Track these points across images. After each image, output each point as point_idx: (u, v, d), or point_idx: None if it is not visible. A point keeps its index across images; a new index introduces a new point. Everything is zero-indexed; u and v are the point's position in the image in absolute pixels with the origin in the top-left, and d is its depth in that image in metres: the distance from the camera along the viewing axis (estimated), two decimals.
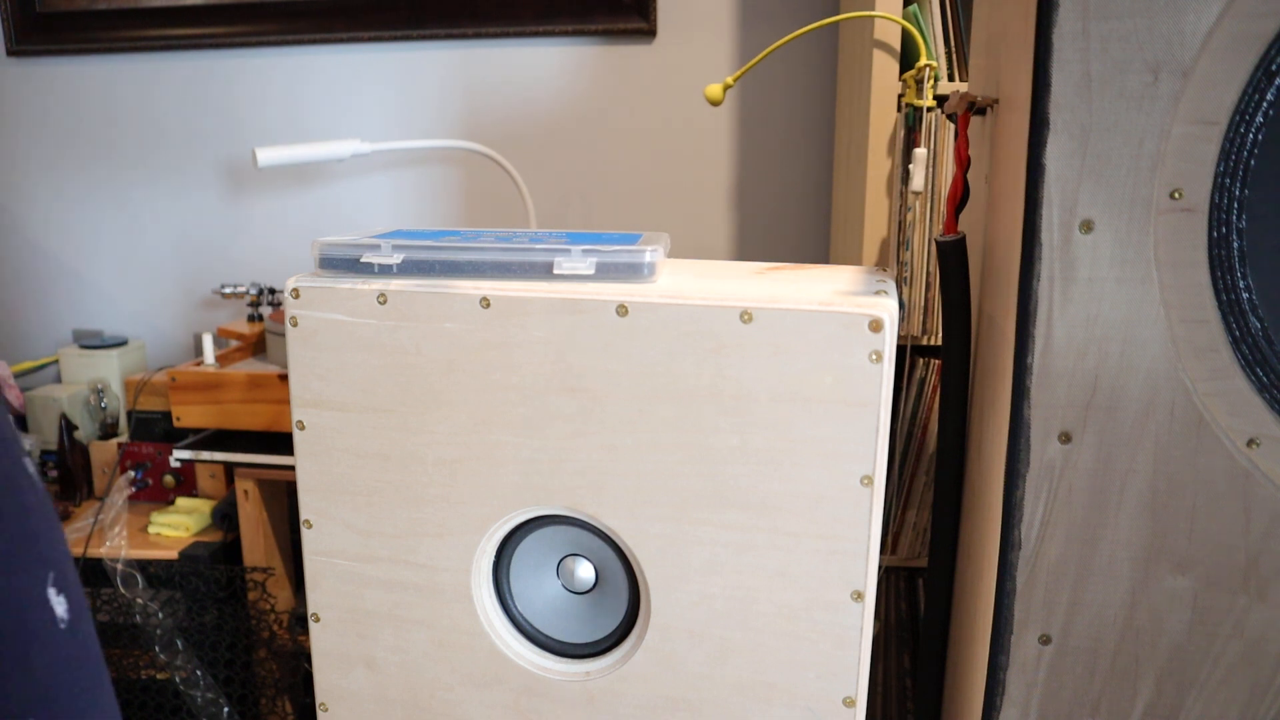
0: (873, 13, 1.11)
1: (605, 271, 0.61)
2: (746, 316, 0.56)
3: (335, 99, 1.66)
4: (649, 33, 1.55)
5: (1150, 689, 0.61)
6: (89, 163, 1.75)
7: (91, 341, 1.67)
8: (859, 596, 0.58)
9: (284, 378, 1.37)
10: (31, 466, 0.58)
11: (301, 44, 1.64)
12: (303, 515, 0.67)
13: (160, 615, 1.33)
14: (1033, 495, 0.59)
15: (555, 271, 0.61)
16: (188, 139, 1.72)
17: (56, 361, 1.75)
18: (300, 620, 1.44)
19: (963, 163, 0.77)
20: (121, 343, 1.68)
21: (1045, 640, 0.62)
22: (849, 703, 0.60)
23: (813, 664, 0.60)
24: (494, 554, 0.66)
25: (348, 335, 0.63)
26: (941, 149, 1.11)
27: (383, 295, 0.62)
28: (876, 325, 0.54)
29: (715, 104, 1.22)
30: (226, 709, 1.33)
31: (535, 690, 0.66)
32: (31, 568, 0.54)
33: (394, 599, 0.67)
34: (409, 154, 1.66)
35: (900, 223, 1.15)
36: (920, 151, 1.09)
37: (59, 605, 0.56)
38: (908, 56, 1.12)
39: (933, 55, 1.11)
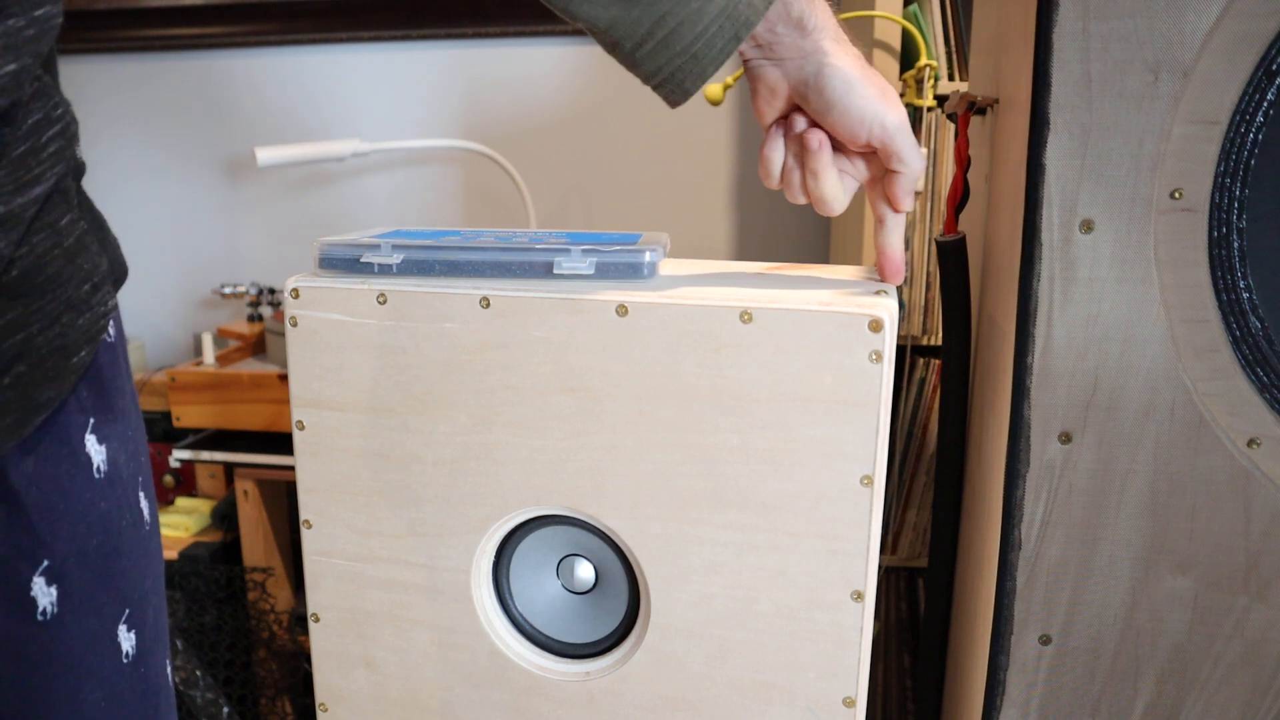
0: (873, 12, 1.11)
1: (605, 271, 0.61)
2: (746, 316, 0.56)
3: (335, 99, 1.66)
4: None
5: (1150, 689, 0.61)
6: (88, 162, 1.75)
7: None
8: (859, 596, 0.58)
9: (284, 378, 1.37)
10: (145, 499, 0.58)
11: (301, 44, 1.64)
12: (302, 515, 0.67)
13: None
14: (1033, 495, 0.59)
15: (555, 271, 0.61)
16: (188, 139, 1.72)
17: None
18: (300, 620, 1.44)
19: (963, 163, 0.77)
20: None
21: (1045, 640, 0.62)
22: (849, 703, 0.60)
23: (813, 664, 0.60)
24: (494, 554, 0.66)
25: (348, 335, 0.63)
26: (941, 149, 1.11)
27: (383, 295, 0.62)
28: (876, 325, 0.54)
29: (715, 104, 1.22)
30: (226, 709, 1.33)
31: (535, 690, 0.66)
32: (104, 608, 0.54)
33: (394, 599, 0.67)
34: (409, 154, 1.66)
35: None
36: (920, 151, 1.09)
37: (127, 641, 0.56)
38: (908, 56, 1.12)
39: (933, 55, 1.11)
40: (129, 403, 0.56)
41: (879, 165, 0.61)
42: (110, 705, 0.54)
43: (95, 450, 0.52)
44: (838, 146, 0.61)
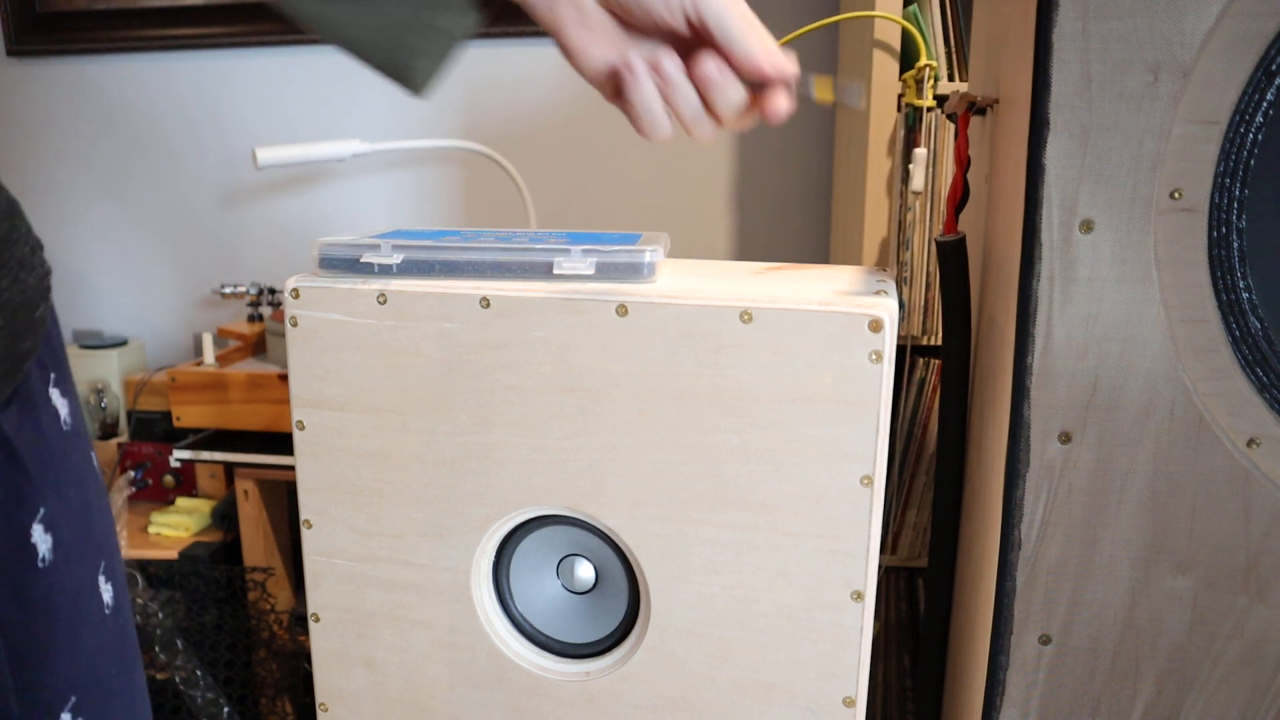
0: (873, 13, 1.11)
1: (605, 271, 0.61)
2: (746, 316, 0.56)
3: (335, 99, 1.66)
4: None
5: (1150, 689, 0.61)
6: (89, 163, 1.75)
7: (91, 341, 1.67)
8: (859, 596, 0.58)
9: (284, 378, 1.36)
10: (96, 461, 0.60)
11: (301, 44, 1.64)
12: (303, 515, 0.67)
13: (160, 615, 1.33)
14: (1033, 495, 0.59)
15: (555, 271, 0.61)
16: (188, 139, 1.72)
17: None
18: (300, 620, 1.44)
19: (963, 163, 0.77)
20: (121, 343, 1.67)
21: (1045, 640, 0.62)
22: (849, 703, 0.60)
23: (813, 664, 0.60)
24: (494, 554, 0.66)
25: (348, 335, 0.63)
26: (941, 149, 1.11)
27: (383, 295, 0.62)
28: (876, 325, 0.54)
29: None
30: (226, 709, 1.33)
31: (535, 690, 0.66)
32: (88, 557, 0.56)
33: (394, 599, 0.67)
34: (409, 154, 1.66)
35: (900, 223, 1.15)
36: (920, 151, 1.09)
37: (106, 592, 0.58)
38: (908, 56, 1.12)
39: (933, 55, 1.11)
40: (69, 363, 0.60)
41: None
42: (100, 654, 0.57)
43: (60, 403, 0.55)
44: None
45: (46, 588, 0.52)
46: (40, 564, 0.52)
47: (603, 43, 0.51)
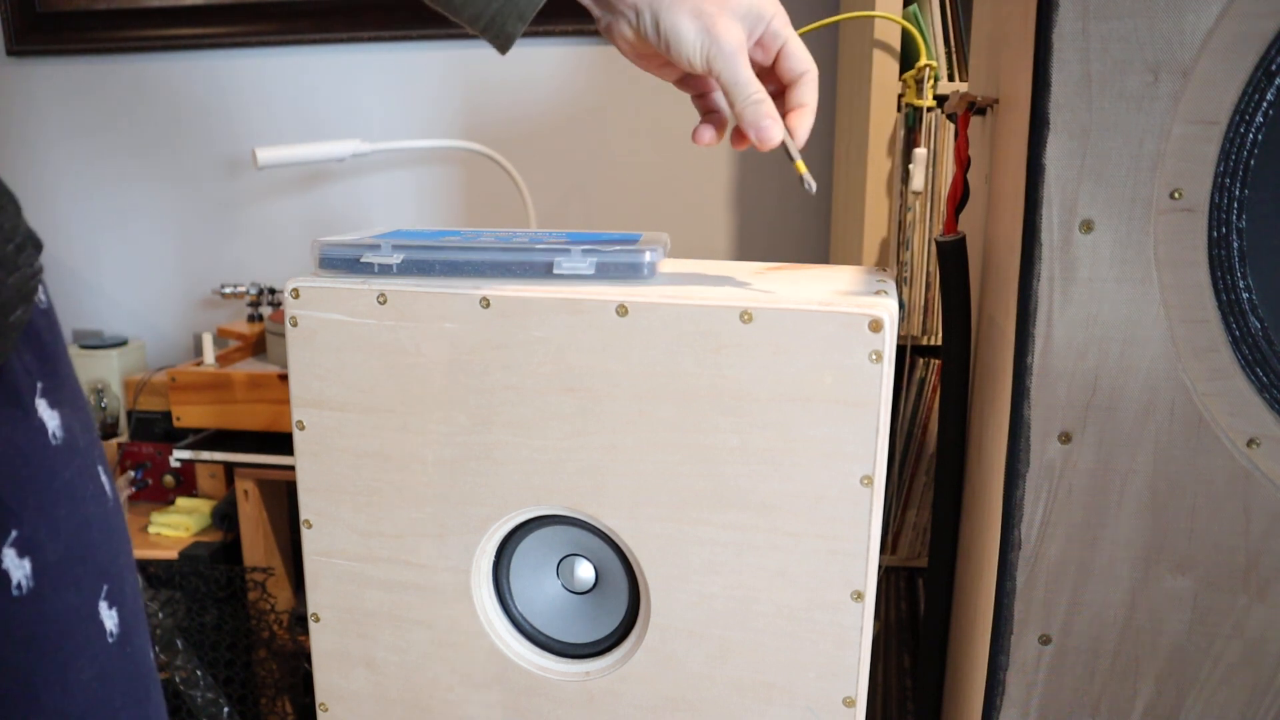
0: (873, 13, 1.11)
1: (605, 271, 0.61)
2: (746, 316, 0.56)
3: (335, 99, 1.66)
4: None
5: (1150, 689, 0.61)
6: (89, 163, 1.75)
7: (91, 341, 1.67)
8: (859, 596, 0.58)
9: (284, 378, 1.36)
10: (105, 475, 0.57)
11: (301, 44, 1.64)
12: (303, 515, 0.67)
13: (160, 615, 1.33)
14: (1033, 495, 0.59)
15: (555, 271, 0.61)
16: (188, 139, 1.72)
17: None
18: (300, 620, 1.44)
19: (963, 163, 0.77)
20: (121, 343, 1.67)
21: (1045, 640, 0.62)
22: (849, 703, 0.60)
23: (813, 664, 0.60)
24: (494, 554, 0.66)
25: (348, 335, 0.63)
26: (941, 149, 1.11)
27: (383, 295, 0.62)
28: (876, 325, 0.54)
29: None
30: (226, 709, 1.33)
31: (535, 690, 0.66)
32: (83, 582, 0.53)
33: (394, 599, 0.67)
34: (409, 154, 1.66)
35: (900, 223, 1.15)
36: (920, 151, 1.09)
37: (110, 619, 0.54)
38: (908, 56, 1.12)
39: (933, 55, 1.11)
40: (72, 373, 0.56)
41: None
42: (101, 685, 0.53)
43: (48, 415, 0.51)
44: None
45: (27, 618, 0.49)
46: (15, 591, 0.48)
47: (648, 58, 0.62)
